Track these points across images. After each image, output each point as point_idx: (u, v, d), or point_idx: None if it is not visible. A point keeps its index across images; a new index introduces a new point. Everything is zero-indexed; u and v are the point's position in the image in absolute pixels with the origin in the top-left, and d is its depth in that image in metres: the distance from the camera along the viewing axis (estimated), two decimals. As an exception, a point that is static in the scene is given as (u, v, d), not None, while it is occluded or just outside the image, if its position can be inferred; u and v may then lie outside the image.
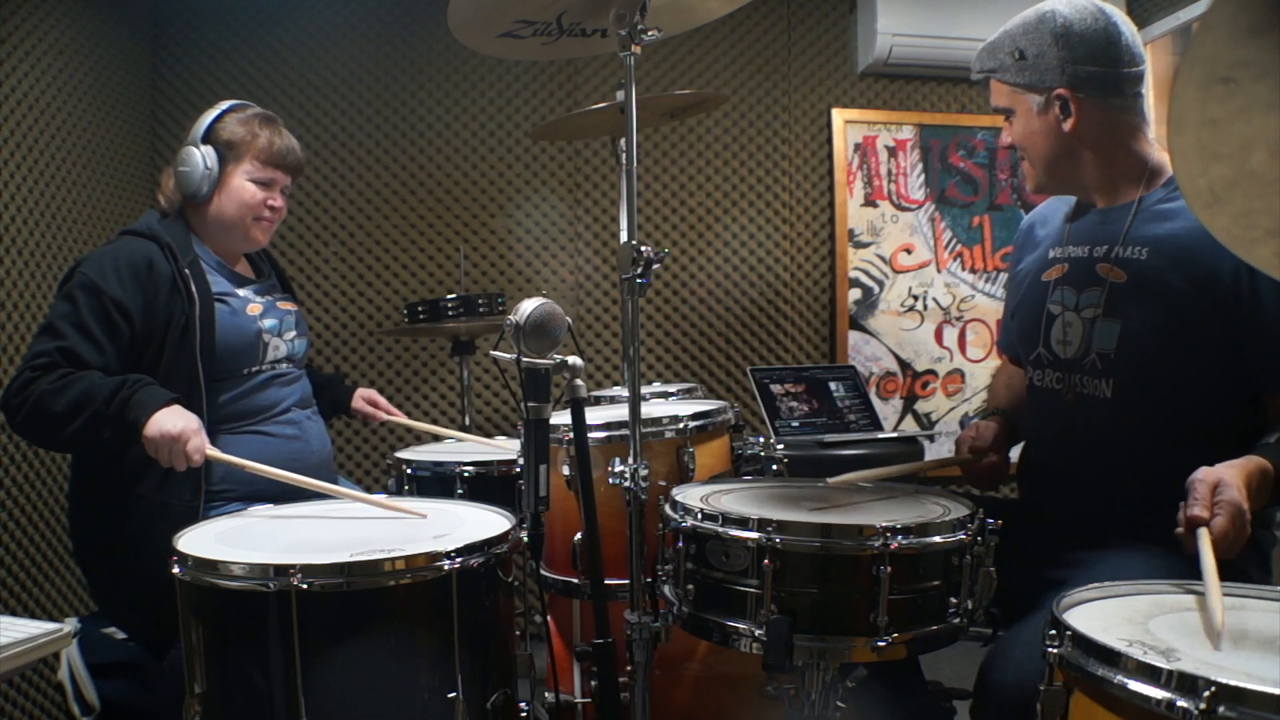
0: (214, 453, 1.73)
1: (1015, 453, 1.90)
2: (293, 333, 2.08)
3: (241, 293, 2.01)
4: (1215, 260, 1.50)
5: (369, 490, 2.19)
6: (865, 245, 3.66)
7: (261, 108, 2.06)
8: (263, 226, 2.03)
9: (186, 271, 1.89)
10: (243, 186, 1.97)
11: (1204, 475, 1.29)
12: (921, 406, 3.72)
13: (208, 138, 1.96)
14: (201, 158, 1.93)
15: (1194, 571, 1.20)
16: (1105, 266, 1.65)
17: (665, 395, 2.67)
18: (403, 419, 2.45)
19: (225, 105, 2.01)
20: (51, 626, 1.36)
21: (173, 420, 1.70)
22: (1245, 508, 1.27)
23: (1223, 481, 1.28)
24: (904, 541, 1.23)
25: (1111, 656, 0.93)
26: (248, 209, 1.98)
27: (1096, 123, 1.63)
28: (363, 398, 2.41)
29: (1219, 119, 0.85)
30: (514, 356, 1.37)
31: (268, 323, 2.01)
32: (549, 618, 2.03)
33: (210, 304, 1.90)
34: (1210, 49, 0.84)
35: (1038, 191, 1.77)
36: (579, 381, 1.41)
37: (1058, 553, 1.58)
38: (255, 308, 2.00)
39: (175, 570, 1.28)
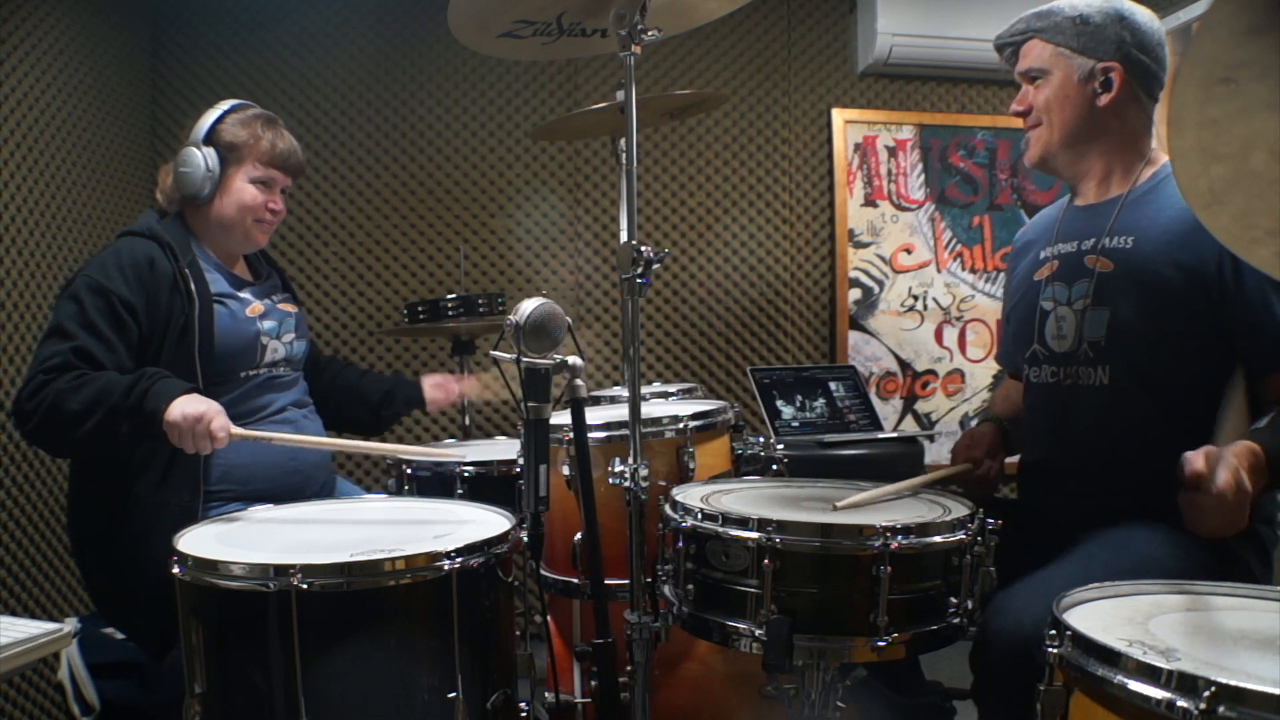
0: (239, 430, 1.72)
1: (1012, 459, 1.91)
2: (292, 334, 2.08)
3: (242, 294, 2.00)
4: (1199, 244, 1.53)
5: (369, 490, 2.19)
6: (865, 245, 3.66)
7: (262, 108, 2.06)
8: (263, 228, 2.03)
9: (186, 271, 1.88)
10: (243, 188, 1.97)
11: (1194, 452, 1.30)
12: (921, 406, 3.72)
13: (209, 139, 1.95)
14: (203, 159, 1.93)
15: (1194, 550, 1.20)
16: (1093, 258, 1.68)
17: (665, 395, 2.67)
18: (473, 383, 2.42)
19: (226, 105, 2.00)
20: (51, 626, 1.36)
21: (194, 404, 1.69)
22: (1244, 475, 1.26)
23: (1212, 451, 1.28)
24: (904, 541, 1.23)
25: (1111, 656, 0.93)
26: (248, 211, 1.98)
27: (1125, 108, 1.68)
28: (431, 386, 2.38)
29: (1219, 119, 0.85)
30: (514, 356, 1.37)
31: (267, 324, 2.00)
32: (549, 618, 2.03)
33: (209, 304, 1.89)
34: (1210, 49, 0.84)
35: (1039, 164, 1.77)
36: (579, 381, 1.41)
37: (1057, 552, 1.58)
38: (256, 308, 2.00)
39: (175, 570, 1.28)
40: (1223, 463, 1.26)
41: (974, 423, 1.94)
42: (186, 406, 1.68)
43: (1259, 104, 0.83)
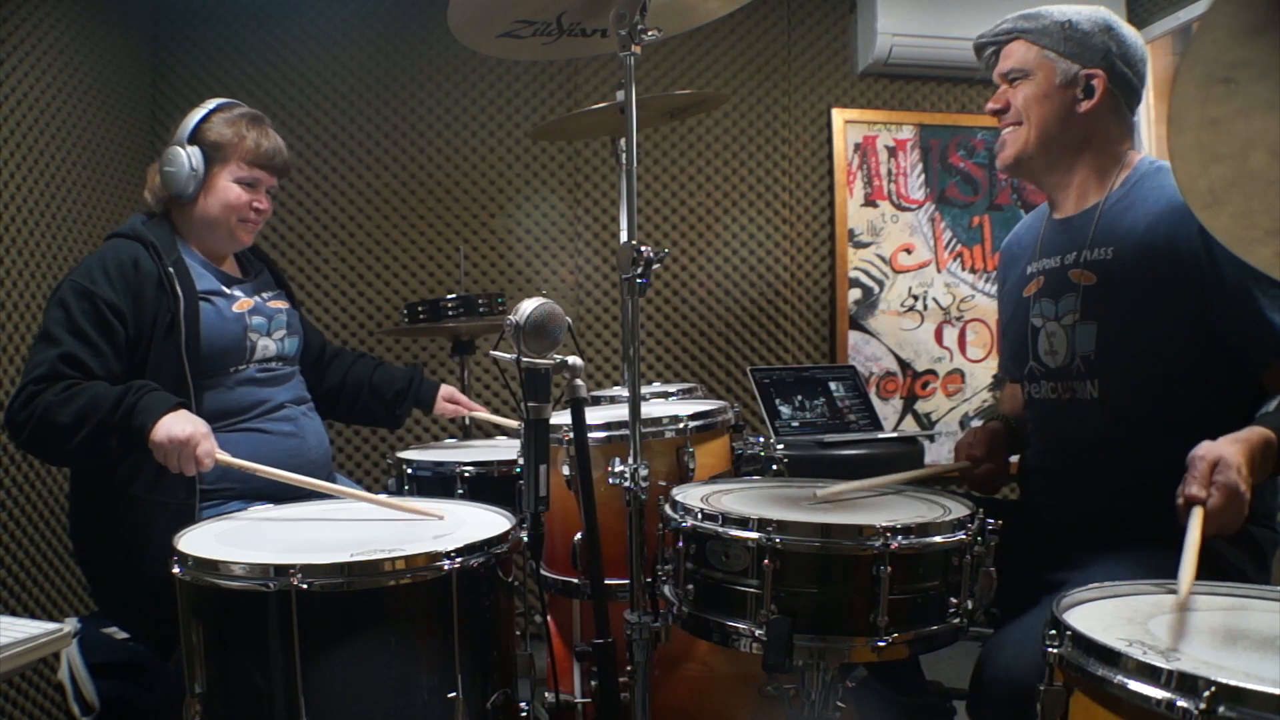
0: (224, 457, 1.71)
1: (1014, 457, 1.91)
2: (282, 331, 2.07)
3: (229, 290, 2.00)
4: (1173, 245, 1.53)
5: (369, 490, 2.18)
6: (865, 245, 3.66)
7: (249, 106, 2.05)
8: (247, 227, 2.02)
9: (171, 270, 1.88)
10: (228, 188, 1.97)
11: (1204, 452, 1.29)
12: (921, 406, 3.72)
13: (194, 138, 1.95)
14: (187, 158, 1.93)
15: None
16: (1076, 272, 1.68)
17: (665, 395, 2.67)
18: (485, 414, 2.43)
19: (212, 104, 2.00)
20: (51, 626, 1.36)
21: (181, 425, 1.68)
22: (1244, 488, 1.26)
23: (1223, 460, 1.27)
24: (904, 541, 1.23)
25: (1111, 656, 0.93)
26: (233, 210, 1.98)
27: (1104, 118, 1.68)
28: (445, 398, 2.39)
29: (1219, 119, 0.85)
30: (514, 356, 1.37)
31: (255, 321, 2.00)
32: (549, 618, 2.03)
33: (195, 301, 1.89)
34: (1210, 49, 0.84)
35: (1012, 165, 1.75)
36: (579, 381, 1.41)
37: (1057, 553, 1.59)
38: (245, 304, 1.99)
39: (175, 570, 1.28)
40: (1218, 486, 1.26)
41: (975, 421, 1.94)
42: (173, 427, 1.67)
43: (1259, 104, 0.83)
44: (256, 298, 2.04)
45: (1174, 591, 1.14)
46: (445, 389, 2.41)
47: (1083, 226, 1.70)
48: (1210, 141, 0.86)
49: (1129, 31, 1.69)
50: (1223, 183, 0.87)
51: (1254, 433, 1.34)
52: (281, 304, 2.12)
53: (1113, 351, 1.61)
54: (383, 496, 1.72)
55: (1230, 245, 0.93)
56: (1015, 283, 1.86)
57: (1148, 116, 3.34)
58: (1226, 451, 1.28)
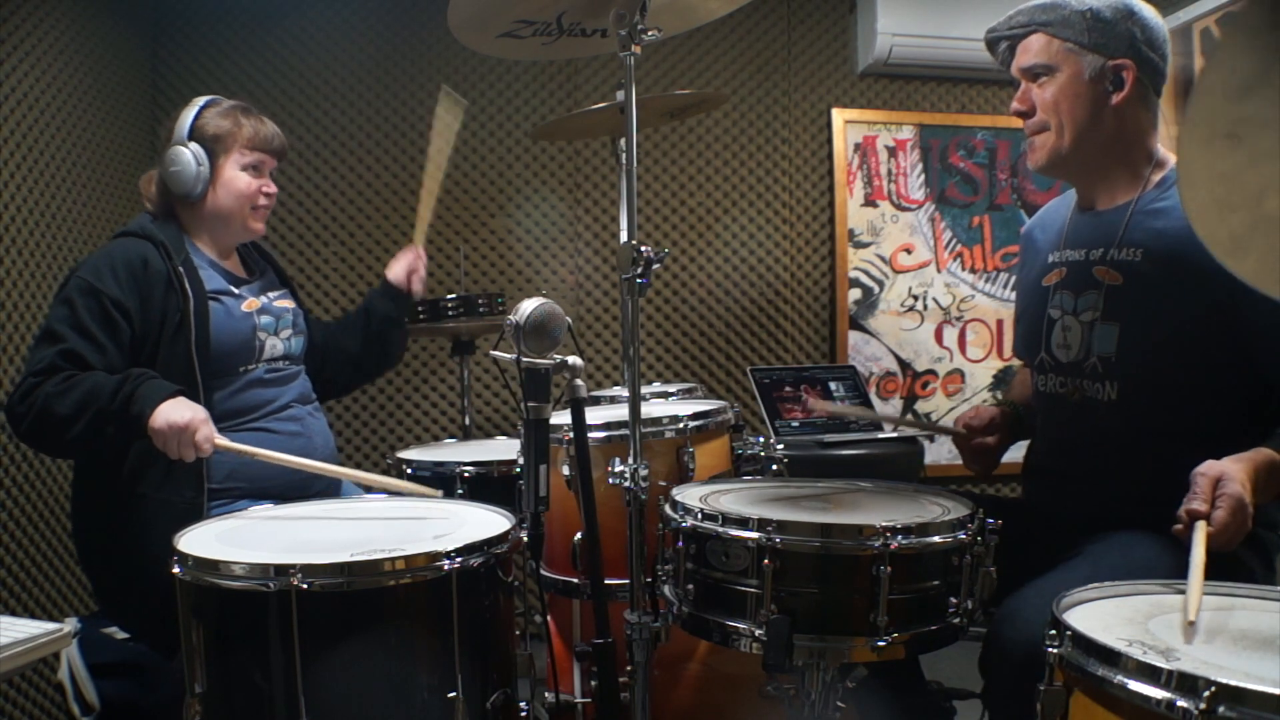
0: (224, 442, 1.72)
1: (1019, 452, 1.91)
2: (289, 330, 2.07)
3: (237, 290, 2.00)
4: (1207, 257, 1.50)
5: (369, 490, 2.18)
6: (865, 245, 3.66)
7: (245, 103, 2.06)
8: (258, 215, 2.04)
9: (180, 269, 1.88)
10: (236, 177, 1.98)
11: (1207, 469, 1.30)
12: (921, 406, 3.72)
13: (193, 135, 1.96)
14: (191, 156, 1.94)
15: None
16: (1102, 270, 1.64)
17: (665, 395, 2.67)
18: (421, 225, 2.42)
19: (201, 102, 2.01)
20: (51, 626, 1.36)
21: (179, 411, 1.69)
22: (1248, 501, 1.27)
23: (1225, 475, 1.28)
24: (904, 541, 1.23)
25: (1111, 656, 0.93)
26: (245, 198, 1.99)
27: (1135, 108, 1.62)
28: (394, 276, 2.33)
29: (1228, 172, 0.86)
30: (514, 356, 1.38)
31: (264, 320, 2.00)
32: (549, 618, 2.03)
33: (204, 301, 1.89)
34: (1208, 110, 0.84)
35: (1046, 169, 1.69)
36: (579, 381, 1.41)
37: (1058, 552, 1.58)
38: (253, 304, 2.00)
39: (175, 570, 1.28)
40: (1222, 499, 1.26)
41: (979, 404, 1.92)
42: (171, 414, 1.68)
43: (1264, 155, 0.83)
44: (264, 297, 2.05)
45: (1178, 591, 1.14)
46: (388, 271, 2.35)
47: (1112, 223, 1.65)
48: (1224, 194, 0.87)
49: (1150, 13, 1.62)
50: (1243, 228, 0.88)
51: (1259, 453, 1.34)
52: (288, 303, 2.12)
53: (1134, 355, 1.58)
54: (379, 477, 1.73)
55: (1262, 287, 0.93)
56: (1036, 270, 1.81)
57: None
58: (1229, 468, 1.29)
